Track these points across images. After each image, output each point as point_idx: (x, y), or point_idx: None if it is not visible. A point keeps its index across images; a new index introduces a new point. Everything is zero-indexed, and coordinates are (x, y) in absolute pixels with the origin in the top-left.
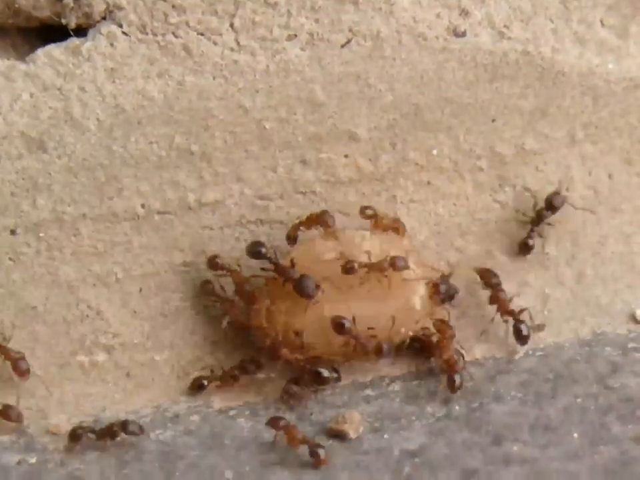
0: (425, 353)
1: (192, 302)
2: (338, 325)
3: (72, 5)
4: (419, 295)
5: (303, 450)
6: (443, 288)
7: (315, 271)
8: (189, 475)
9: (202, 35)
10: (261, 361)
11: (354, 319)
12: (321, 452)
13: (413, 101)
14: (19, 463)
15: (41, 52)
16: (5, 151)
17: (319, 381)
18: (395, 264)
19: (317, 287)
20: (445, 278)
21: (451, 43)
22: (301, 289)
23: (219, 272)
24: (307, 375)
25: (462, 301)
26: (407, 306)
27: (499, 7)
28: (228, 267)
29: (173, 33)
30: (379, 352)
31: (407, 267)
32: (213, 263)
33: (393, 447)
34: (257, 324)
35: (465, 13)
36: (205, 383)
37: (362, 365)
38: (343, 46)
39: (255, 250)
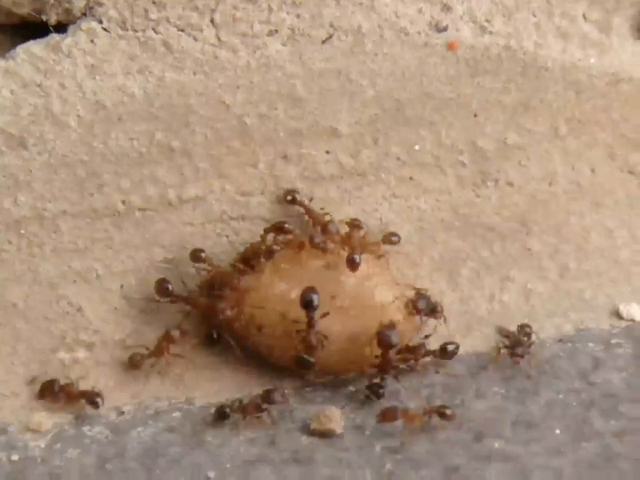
0: None
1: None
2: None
3: (52, 1)
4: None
5: (285, 446)
6: (422, 303)
7: (297, 276)
8: (170, 472)
9: (182, 30)
10: None
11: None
12: (448, 411)
13: (395, 96)
14: None
15: (20, 48)
16: None
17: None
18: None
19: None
20: (421, 294)
21: (432, 38)
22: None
23: (201, 265)
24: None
25: (445, 296)
26: (373, 332)
27: (480, 2)
28: (211, 261)
29: (153, 29)
30: None
31: (399, 241)
32: (197, 256)
33: (374, 443)
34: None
35: (446, 7)
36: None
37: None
38: (324, 41)
39: None
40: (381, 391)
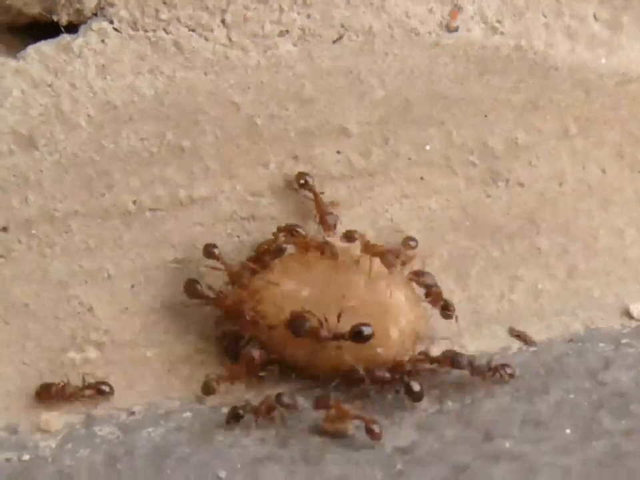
0: None
1: (183, 298)
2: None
3: (63, 1)
4: (398, 326)
5: (294, 444)
6: (425, 279)
7: (307, 275)
8: (179, 471)
9: (193, 30)
10: None
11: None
12: (376, 427)
13: (405, 95)
14: (7, 460)
15: (31, 48)
16: None
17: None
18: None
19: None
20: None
21: (443, 38)
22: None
23: (213, 261)
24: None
25: (454, 295)
26: (383, 332)
27: (490, 2)
28: (222, 258)
29: (164, 29)
30: None
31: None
32: (209, 251)
33: (384, 442)
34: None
35: (457, 7)
36: None
37: None
38: (334, 41)
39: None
40: (417, 390)
